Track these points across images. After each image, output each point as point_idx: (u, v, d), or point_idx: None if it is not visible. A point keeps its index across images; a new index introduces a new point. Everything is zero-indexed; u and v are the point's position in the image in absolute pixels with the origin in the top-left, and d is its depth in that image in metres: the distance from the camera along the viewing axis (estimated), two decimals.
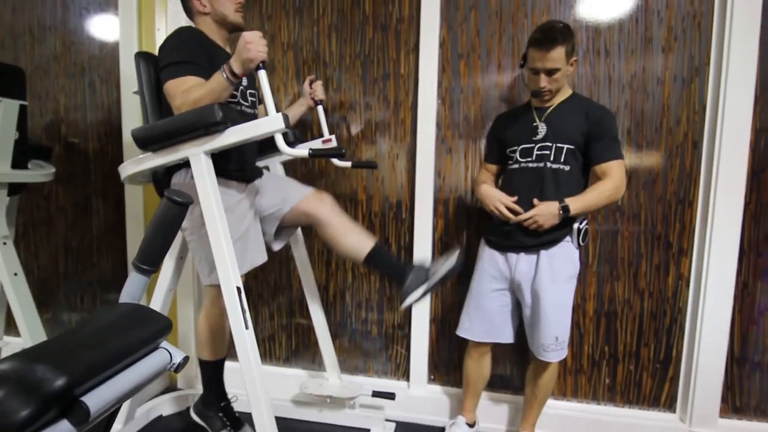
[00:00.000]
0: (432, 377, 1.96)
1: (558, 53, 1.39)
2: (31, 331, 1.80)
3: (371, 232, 1.54)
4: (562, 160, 1.47)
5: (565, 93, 1.52)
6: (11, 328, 2.09)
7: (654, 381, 1.78)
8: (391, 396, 1.81)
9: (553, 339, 1.49)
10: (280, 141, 1.21)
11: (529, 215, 1.44)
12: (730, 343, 1.69)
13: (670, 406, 1.78)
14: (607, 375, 1.82)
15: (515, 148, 1.54)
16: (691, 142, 1.68)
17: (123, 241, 2.18)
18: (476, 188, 1.62)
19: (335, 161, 1.77)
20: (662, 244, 1.73)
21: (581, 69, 1.72)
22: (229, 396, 1.66)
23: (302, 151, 1.22)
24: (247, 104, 1.53)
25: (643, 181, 1.72)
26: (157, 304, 1.57)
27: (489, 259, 1.58)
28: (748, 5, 1.55)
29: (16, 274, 1.79)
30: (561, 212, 1.42)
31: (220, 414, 1.61)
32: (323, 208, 1.51)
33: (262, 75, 1.20)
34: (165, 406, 1.92)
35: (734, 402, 1.74)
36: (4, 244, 1.77)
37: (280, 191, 1.57)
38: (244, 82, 1.52)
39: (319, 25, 1.92)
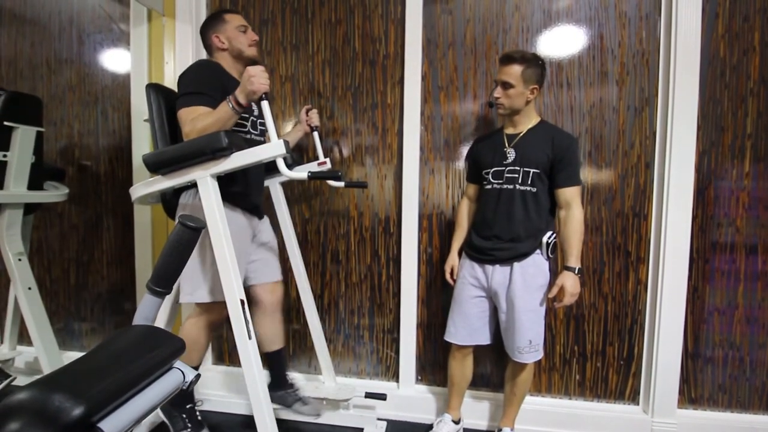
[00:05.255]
0: (419, 378, 1.94)
1: (513, 70, 1.43)
2: (43, 341, 1.74)
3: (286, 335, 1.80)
4: (529, 182, 1.48)
5: (533, 120, 1.53)
6: (24, 338, 2.03)
7: (619, 376, 1.80)
8: (382, 397, 1.79)
9: (527, 342, 1.49)
10: (281, 165, 1.22)
11: (568, 302, 1.45)
12: (685, 340, 1.72)
13: (633, 399, 1.80)
14: (577, 372, 1.83)
15: (488, 170, 1.56)
16: (644, 163, 1.73)
17: (131, 256, 2.13)
18: (456, 218, 1.74)
19: (330, 182, 1.78)
20: (622, 253, 1.77)
21: (547, 99, 1.77)
22: (196, 400, 1.62)
23: (302, 174, 1.23)
24: (256, 132, 1.53)
25: (604, 198, 1.76)
26: (162, 317, 1.53)
27: (469, 269, 1.59)
28: (688, 45, 1.62)
29: (30, 288, 1.74)
30: (578, 274, 1.45)
31: (184, 416, 1.56)
32: (270, 298, 1.66)
33: (265, 105, 1.20)
34: None
35: (690, 394, 1.77)
36: (20, 260, 1.72)
37: (264, 260, 1.65)
38: (255, 112, 1.53)
39: (314, 60, 1.94)
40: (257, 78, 1.18)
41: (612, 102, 1.73)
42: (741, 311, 1.72)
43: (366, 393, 1.80)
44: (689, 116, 1.63)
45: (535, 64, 1.45)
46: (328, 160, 1.74)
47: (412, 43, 1.82)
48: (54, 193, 1.86)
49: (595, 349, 1.81)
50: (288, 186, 1.93)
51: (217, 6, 2.00)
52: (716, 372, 1.75)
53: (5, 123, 1.59)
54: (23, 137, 1.64)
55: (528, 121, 1.52)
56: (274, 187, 1.78)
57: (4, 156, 1.64)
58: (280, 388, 1.71)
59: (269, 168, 1.59)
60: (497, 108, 1.51)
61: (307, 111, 1.78)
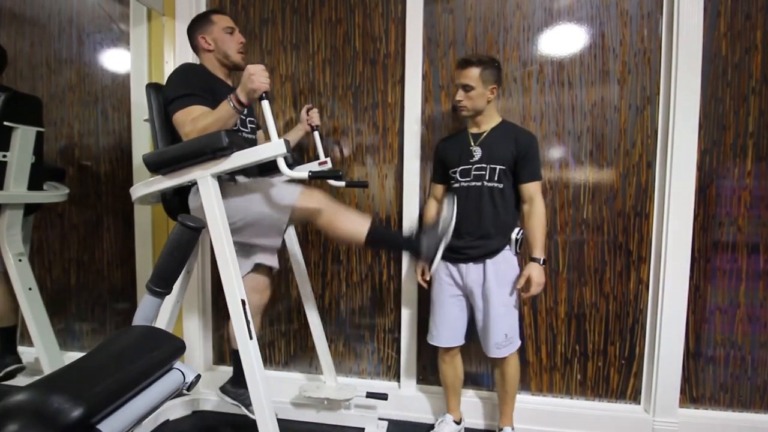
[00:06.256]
0: (421, 377, 1.93)
1: (471, 73, 1.47)
2: (44, 342, 1.74)
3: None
4: (496, 179, 1.52)
5: (495, 120, 1.57)
6: (25, 338, 2.02)
7: (620, 376, 1.79)
8: (383, 396, 1.79)
9: (503, 336, 1.52)
10: (282, 164, 1.21)
11: (535, 292, 1.48)
12: (686, 340, 1.72)
13: (635, 398, 1.79)
14: (579, 371, 1.82)
15: (456, 169, 1.58)
16: (646, 162, 1.72)
17: (132, 256, 2.13)
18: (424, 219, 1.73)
19: (331, 181, 1.77)
20: (623, 253, 1.76)
21: (548, 98, 1.76)
22: None
23: (303, 173, 1.22)
24: (247, 130, 1.53)
25: (605, 197, 1.75)
26: (164, 317, 1.52)
27: (444, 270, 1.61)
28: (690, 44, 1.61)
29: (30, 289, 1.73)
30: (543, 265, 1.50)
31: None
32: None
33: (265, 104, 1.19)
34: (172, 410, 1.85)
35: (691, 393, 1.76)
36: (20, 260, 1.71)
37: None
38: (244, 110, 1.52)
39: (314, 59, 1.93)
40: (257, 76, 1.17)
41: (613, 101, 1.73)
42: (742, 310, 1.71)
43: (367, 393, 1.79)
44: (691, 115, 1.62)
45: (491, 65, 1.49)
46: (328, 159, 1.73)
47: (412, 42, 1.81)
48: (54, 194, 1.85)
49: (597, 348, 1.80)
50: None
51: (216, 5, 1.99)
52: (718, 371, 1.74)
53: (5, 123, 1.58)
54: (23, 137, 1.64)
55: (491, 120, 1.57)
56: None
57: (4, 156, 1.63)
58: (242, 386, 1.69)
59: (269, 168, 1.59)
60: (460, 110, 1.54)
61: (308, 110, 1.77)
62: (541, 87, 1.76)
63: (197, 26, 1.50)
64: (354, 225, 1.37)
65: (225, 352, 2.11)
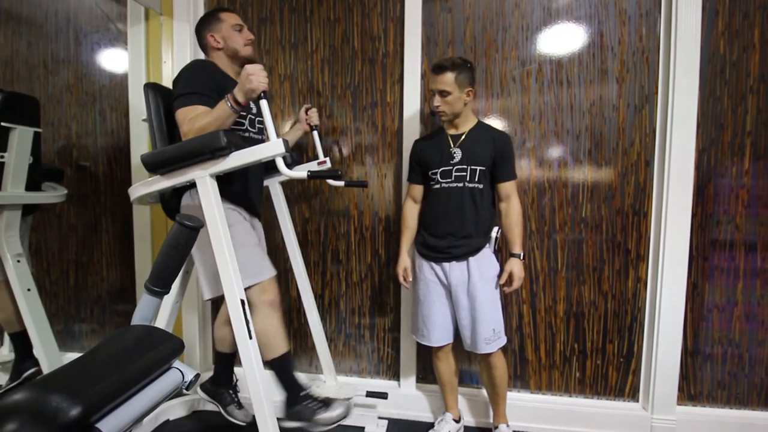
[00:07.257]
0: (420, 376, 1.93)
1: (447, 78, 1.46)
2: (43, 343, 1.73)
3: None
4: (476, 179, 1.53)
5: (472, 121, 1.58)
6: None
7: (619, 374, 1.80)
8: (383, 396, 1.79)
9: (491, 331, 1.53)
10: (280, 164, 1.20)
11: (517, 286, 1.53)
12: (684, 338, 1.72)
13: (633, 396, 1.79)
14: (578, 369, 1.82)
15: (436, 170, 1.58)
16: (644, 161, 1.72)
17: (131, 257, 2.12)
18: (403, 220, 1.69)
19: (330, 181, 1.76)
20: (622, 251, 1.76)
21: (547, 97, 1.76)
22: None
23: (301, 173, 1.21)
24: (254, 131, 1.52)
25: (603, 196, 1.75)
26: (163, 316, 1.52)
27: (428, 270, 1.60)
28: (688, 43, 1.61)
29: (29, 290, 1.72)
30: (522, 260, 1.53)
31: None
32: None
33: (263, 104, 1.19)
34: (172, 410, 1.85)
35: (689, 390, 1.76)
36: (18, 261, 1.70)
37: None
38: (253, 110, 1.51)
39: (312, 59, 1.93)
40: (256, 76, 1.17)
41: (612, 100, 1.72)
42: (740, 308, 1.72)
43: (367, 392, 1.79)
44: (689, 114, 1.62)
45: (465, 68, 1.48)
46: (327, 159, 1.73)
47: (411, 41, 1.80)
48: (52, 194, 1.84)
49: (595, 346, 1.80)
50: (288, 185, 1.92)
51: (215, 4, 1.98)
52: (715, 369, 1.75)
53: (2, 124, 1.57)
54: (21, 138, 1.63)
55: (468, 122, 1.57)
56: (274, 186, 1.76)
57: (2, 157, 1.62)
58: (222, 386, 1.69)
59: (268, 167, 1.58)
60: (439, 116, 1.55)
61: (307, 110, 1.76)
62: (540, 86, 1.76)
63: (206, 24, 1.49)
64: (273, 340, 1.38)
65: None
